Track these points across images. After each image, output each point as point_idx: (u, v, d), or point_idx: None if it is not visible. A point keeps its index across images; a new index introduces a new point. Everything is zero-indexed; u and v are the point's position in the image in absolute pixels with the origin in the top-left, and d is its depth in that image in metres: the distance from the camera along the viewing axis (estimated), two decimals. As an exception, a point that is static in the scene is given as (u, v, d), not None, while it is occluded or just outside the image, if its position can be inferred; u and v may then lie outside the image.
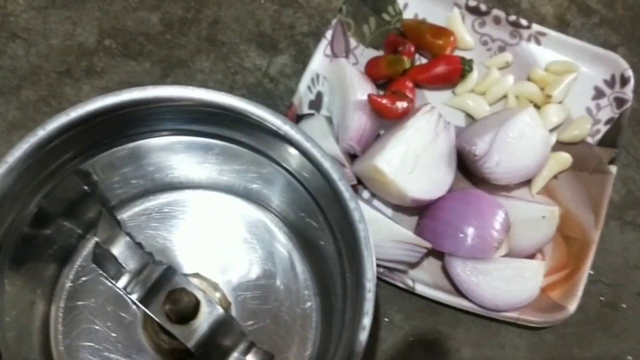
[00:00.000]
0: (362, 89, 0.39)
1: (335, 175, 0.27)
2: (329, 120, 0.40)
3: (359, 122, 0.38)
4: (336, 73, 0.40)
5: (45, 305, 0.33)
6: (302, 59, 0.45)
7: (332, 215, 0.29)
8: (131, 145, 0.31)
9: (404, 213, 0.40)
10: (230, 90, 0.44)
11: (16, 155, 0.26)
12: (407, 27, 0.43)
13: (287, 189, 0.32)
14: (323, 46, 0.41)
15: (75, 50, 0.44)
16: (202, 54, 0.45)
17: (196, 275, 0.33)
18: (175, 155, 0.33)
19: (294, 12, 0.46)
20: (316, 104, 0.41)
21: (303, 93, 0.40)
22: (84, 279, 0.33)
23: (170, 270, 0.31)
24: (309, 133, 0.39)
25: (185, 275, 0.32)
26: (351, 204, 0.27)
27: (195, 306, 0.30)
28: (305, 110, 0.40)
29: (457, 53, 0.43)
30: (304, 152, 0.28)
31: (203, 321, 0.30)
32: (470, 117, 0.42)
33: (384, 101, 0.37)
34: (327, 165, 0.27)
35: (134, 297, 0.31)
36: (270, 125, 0.28)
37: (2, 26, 0.44)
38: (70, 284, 0.33)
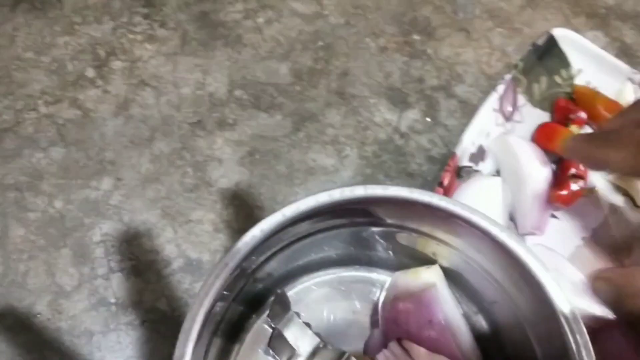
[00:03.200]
0: (538, 171, 0.39)
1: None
2: (499, 183, 0.40)
3: (539, 211, 0.37)
4: (504, 148, 0.40)
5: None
6: (432, 114, 0.44)
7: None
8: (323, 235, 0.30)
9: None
10: (362, 145, 0.43)
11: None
12: (580, 93, 0.43)
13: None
14: (493, 99, 0.40)
15: (206, 100, 0.43)
16: (332, 108, 0.43)
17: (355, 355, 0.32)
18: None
19: (423, 64, 0.45)
20: (477, 158, 0.40)
21: (466, 145, 0.39)
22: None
23: (345, 356, 0.31)
24: (475, 193, 0.39)
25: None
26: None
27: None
28: (466, 162, 0.39)
29: (623, 130, 0.42)
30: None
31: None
32: (630, 200, 0.41)
33: (564, 192, 0.37)
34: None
35: (309, 382, 0.30)
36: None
37: (131, 72, 0.43)
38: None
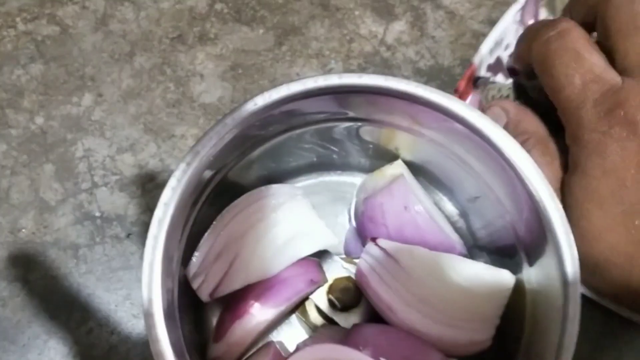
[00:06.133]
0: None
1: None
2: None
3: None
4: None
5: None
6: (420, 26, 0.43)
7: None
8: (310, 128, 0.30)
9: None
10: (347, 58, 0.42)
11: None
12: None
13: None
14: (513, 11, 0.38)
15: (186, 15, 0.42)
16: (316, 20, 0.42)
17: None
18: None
19: (410, -25, 0.44)
20: (494, 69, 0.39)
21: (484, 55, 0.38)
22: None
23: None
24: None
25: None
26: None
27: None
28: (483, 73, 0.38)
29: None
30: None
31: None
32: None
33: None
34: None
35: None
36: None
37: (108, -12, 0.42)
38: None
